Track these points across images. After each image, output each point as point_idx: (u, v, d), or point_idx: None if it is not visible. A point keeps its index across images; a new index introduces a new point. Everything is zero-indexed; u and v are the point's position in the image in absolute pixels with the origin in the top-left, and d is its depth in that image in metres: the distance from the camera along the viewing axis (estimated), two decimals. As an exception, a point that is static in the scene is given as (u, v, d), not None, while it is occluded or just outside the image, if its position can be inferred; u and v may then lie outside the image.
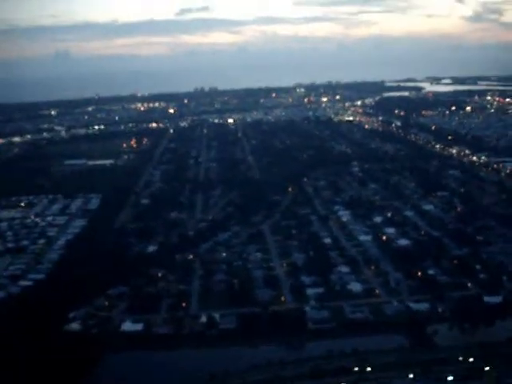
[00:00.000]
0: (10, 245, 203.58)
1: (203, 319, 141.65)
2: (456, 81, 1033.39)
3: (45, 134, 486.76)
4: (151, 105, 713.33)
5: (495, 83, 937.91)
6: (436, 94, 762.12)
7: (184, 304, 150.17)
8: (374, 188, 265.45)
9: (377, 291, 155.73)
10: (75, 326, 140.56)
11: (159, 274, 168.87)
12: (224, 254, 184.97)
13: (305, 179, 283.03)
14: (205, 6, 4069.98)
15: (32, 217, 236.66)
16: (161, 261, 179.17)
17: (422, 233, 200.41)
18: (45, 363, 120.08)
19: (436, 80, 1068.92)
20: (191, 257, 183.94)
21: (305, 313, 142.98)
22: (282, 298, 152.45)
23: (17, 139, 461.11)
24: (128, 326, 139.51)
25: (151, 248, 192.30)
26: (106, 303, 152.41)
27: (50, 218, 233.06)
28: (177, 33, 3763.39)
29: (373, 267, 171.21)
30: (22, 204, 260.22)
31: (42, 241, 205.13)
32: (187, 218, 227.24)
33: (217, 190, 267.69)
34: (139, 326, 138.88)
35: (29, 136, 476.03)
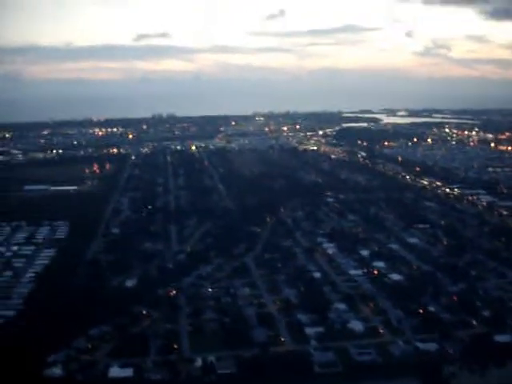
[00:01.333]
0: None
1: (198, 363, 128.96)
2: (411, 113, 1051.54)
3: (0, 158, 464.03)
4: (109, 130, 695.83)
5: (449, 116, 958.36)
6: (395, 126, 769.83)
7: (175, 346, 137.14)
8: (354, 220, 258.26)
9: (380, 330, 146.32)
10: (56, 371, 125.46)
11: (143, 312, 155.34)
12: (210, 290, 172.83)
13: (281, 209, 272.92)
14: (164, 32, 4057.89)
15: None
16: (142, 297, 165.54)
17: (414, 267, 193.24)
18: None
19: (391, 112, 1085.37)
20: (174, 292, 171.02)
21: (310, 355, 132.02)
22: (282, 339, 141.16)
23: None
24: (116, 371, 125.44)
25: (130, 282, 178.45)
26: (88, 345, 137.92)
27: (14, 248, 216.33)
28: (131, 59, 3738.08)
29: (370, 304, 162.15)
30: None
31: (8, 273, 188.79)
32: (163, 250, 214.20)
33: (190, 219, 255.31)
34: (129, 372, 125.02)
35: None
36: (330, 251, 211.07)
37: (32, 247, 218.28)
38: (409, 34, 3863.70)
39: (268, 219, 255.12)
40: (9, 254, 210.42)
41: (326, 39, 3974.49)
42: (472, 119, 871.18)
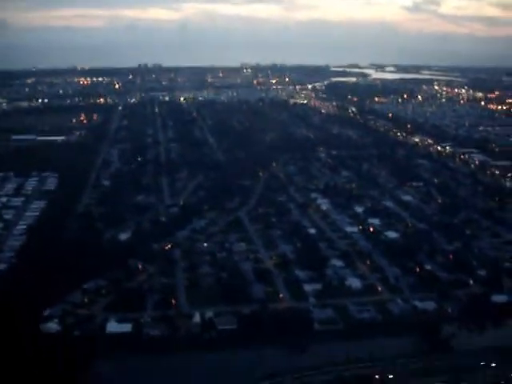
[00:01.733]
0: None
1: (197, 319, 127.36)
2: (399, 69, 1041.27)
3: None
4: (94, 79, 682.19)
5: (438, 73, 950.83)
6: (383, 82, 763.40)
7: (172, 301, 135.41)
8: (347, 176, 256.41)
9: (377, 288, 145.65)
10: (52, 325, 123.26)
11: (139, 266, 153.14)
12: (205, 244, 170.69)
13: (273, 164, 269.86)
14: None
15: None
16: (136, 250, 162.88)
17: (409, 225, 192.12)
18: (24, 373, 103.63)
19: (380, 67, 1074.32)
20: (169, 246, 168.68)
21: (309, 312, 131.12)
22: (280, 295, 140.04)
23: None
24: (114, 326, 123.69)
25: (124, 235, 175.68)
26: (84, 299, 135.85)
27: (3, 199, 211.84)
28: (115, 6, 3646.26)
29: (367, 261, 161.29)
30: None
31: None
32: (155, 203, 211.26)
33: (182, 172, 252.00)
34: (127, 327, 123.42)
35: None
36: (324, 207, 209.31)
37: (21, 198, 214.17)
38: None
39: (260, 173, 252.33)
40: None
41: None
42: (460, 77, 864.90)
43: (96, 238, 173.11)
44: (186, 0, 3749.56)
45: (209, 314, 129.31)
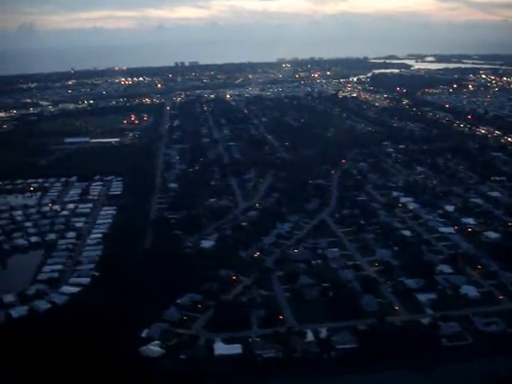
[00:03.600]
0: (33, 239, 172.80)
1: (310, 337, 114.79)
2: (439, 59, 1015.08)
3: (31, 110, 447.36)
4: (135, 79, 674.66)
5: (480, 62, 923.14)
6: (428, 72, 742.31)
7: (280, 316, 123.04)
8: (423, 171, 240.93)
9: (498, 296, 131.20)
10: (154, 349, 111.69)
11: (232, 277, 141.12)
12: (296, 251, 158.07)
13: (342, 161, 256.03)
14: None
15: (49, 204, 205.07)
16: (224, 259, 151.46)
17: (508, 224, 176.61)
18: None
19: (418, 57, 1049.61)
20: (258, 253, 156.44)
21: (432, 326, 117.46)
22: (395, 307, 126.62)
23: (1, 114, 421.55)
24: (222, 348, 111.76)
25: (206, 243, 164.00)
26: (181, 316, 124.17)
27: (71, 206, 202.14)
28: (142, 7, 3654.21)
29: (476, 266, 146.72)
30: (32, 188, 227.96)
31: (70, 234, 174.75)
32: (230, 206, 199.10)
33: (249, 172, 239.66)
34: (237, 348, 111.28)
35: (14, 111, 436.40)
36: (411, 206, 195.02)
37: (89, 205, 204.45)
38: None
39: (332, 171, 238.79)
40: (65, 212, 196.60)
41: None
42: (504, 65, 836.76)
43: (178, 247, 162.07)
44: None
45: (322, 331, 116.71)
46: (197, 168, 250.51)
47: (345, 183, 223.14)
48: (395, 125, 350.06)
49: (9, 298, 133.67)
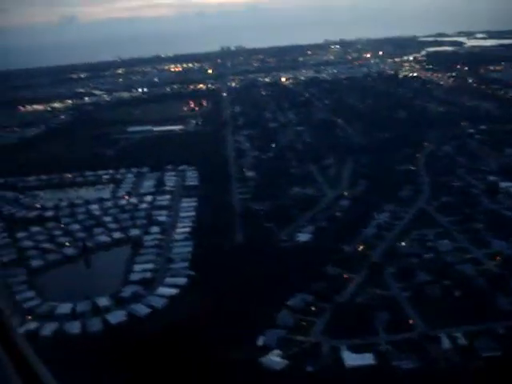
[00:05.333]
0: (115, 234, 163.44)
1: (446, 343, 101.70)
2: (492, 35, 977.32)
3: (86, 99, 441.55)
4: (184, 65, 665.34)
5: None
6: (484, 49, 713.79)
7: (409, 320, 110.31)
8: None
9: None
10: (275, 359, 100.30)
11: (341, 274, 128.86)
12: (403, 243, 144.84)
13: (424, 144, 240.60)
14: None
15: (126, 197, 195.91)
16: (326, 254, 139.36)
17: None
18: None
19: (469, 34, 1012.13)
20: (362, 247, 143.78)
21: None
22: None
23: (57, 105, 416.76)
24: (352, 358, 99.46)
25: (303, 236, 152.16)
26: (298, 321, 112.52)
27: (148, 198, 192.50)
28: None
29: None
30: (104, 180, 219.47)
31: (154, 229, 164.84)
32: (318, 195, 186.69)
33: (327, 158, 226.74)
34: (368, 358, 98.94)
35: (69, 101, 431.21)
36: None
37: (167, 196, 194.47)
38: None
39: (416, 155, 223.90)
40: (144, 205, 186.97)
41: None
42: None
43: (273, 241, 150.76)
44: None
45: (458, 336, 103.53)
46: (270, 155, 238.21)
47: (433, 168, 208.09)
48: (468, 104, 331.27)
49: (103, 301, 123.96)
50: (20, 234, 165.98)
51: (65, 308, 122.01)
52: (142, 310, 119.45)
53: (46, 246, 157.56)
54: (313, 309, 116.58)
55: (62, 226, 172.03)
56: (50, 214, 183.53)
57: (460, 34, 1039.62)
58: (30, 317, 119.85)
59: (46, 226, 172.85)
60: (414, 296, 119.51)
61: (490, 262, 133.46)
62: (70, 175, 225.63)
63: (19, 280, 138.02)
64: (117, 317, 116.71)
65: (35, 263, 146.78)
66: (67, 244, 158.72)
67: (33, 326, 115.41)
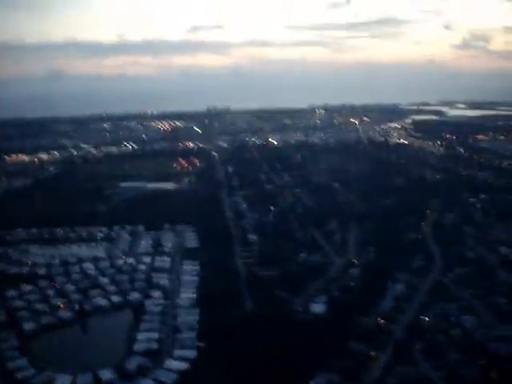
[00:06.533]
0: (114, 298, 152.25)
1: None
2: (471, 106, 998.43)
3: (74, 152, 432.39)
4: (171, 123, 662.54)
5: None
6: (469, 119, 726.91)
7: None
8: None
9: None
10: None
11: (367, 351, 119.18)
12: (426, 318, 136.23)
13: (428, 212, 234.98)
14: (194, 26, 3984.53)
15: (123, 257, 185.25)
16: (345, 328, 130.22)
17: None
18: None
19: (450, 104, 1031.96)
20: (382, 321, 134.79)
21: None
22: None
23: (44, 156, 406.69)
24: None
25: (317, 307, 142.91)
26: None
27: (147, 260, 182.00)
28: (165, 54, 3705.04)
29: None
30: (98, 238, 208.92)
31: (156, 294, 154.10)
32: (325, 262, 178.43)
33: (331, 223, 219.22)
34: None
35: (56, 153, 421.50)
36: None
37: (166, 258, 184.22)
38: (447, 27, 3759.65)
39: (421, 223, 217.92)
40: (143, 267, 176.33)
41: (361, 32, 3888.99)
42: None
43: (286, 312, 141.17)
44: (235, 45, 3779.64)
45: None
46: (271, 218, 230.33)
47: (441, 237, 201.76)
48: (463, 173, 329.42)
49: (106, 374, 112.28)
50: (11, 293, 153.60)
51: (64, 380, 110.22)
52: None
53: (39, 307, 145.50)
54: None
55: (56, 285, 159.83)
56: (41, 271, 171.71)
57: (441, 103, 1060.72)
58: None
59: (39, 284, 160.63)
60: (448, 377, 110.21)
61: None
62: (61, 230, 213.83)
63: (10, 345, 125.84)
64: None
65: (27, 326, 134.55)
66: (62, 306, 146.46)
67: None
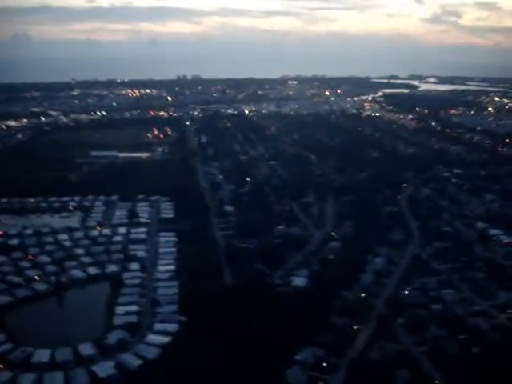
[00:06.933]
0: (90, 270, 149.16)
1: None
2: (442, 80, 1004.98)
3: (43, 119, 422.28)
4: (142, 91, 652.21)
5: (484, 84, 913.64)
6: (439, 93, 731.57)
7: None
8: (495, 200, 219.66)
9: None
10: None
11: (350, 326, 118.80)
12: (406, 292, 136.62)
13: (403, 185, 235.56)
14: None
15: (98, 228, 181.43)
16: (328, 302, 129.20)
17: None
18: None
19: (420, 78, 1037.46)
20: (363, 295, 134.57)
21: None
22: None
23: (12, 123, 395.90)
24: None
25: (298, 280, 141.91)
26: (312, 380, 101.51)
27: (122, 230, 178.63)
28: (135, 20, 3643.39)
29: None
30: (71, 208, 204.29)
31: (134, 266, 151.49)
32: (304, 235, 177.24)
33: (307, 195, 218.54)
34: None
35: (25, 120, 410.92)
36: (505, 240, 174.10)
37: (142, 229, 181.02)
38: (419, 1, 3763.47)
39: (398, 197, 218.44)
40: (119, 238, 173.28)
41: (333, 3, 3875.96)
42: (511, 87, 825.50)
43: (266, 285, 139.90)
44: (206, 13, 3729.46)
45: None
46: (247, 189, 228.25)
47: (418, 211, 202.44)
48: (436, 147, 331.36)
49: (86, 348, 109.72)
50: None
51: (42, 355, 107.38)
52: (132, 360, 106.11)
53: (14, 279, 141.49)
54: (324, 365, 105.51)
55: (30, 257, 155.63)
56: (14, 242, 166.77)
57: (411, 76, 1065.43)
58: (1, 365, 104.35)
59: (12, 256, 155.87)
60: (431, 352, 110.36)
61: (499, 316, 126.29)
62: (32, 200, 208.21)
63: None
64: (105, 369, 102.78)
65: (3, 299, 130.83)
66: (37, 278, 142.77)
67: (6, 376, 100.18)
